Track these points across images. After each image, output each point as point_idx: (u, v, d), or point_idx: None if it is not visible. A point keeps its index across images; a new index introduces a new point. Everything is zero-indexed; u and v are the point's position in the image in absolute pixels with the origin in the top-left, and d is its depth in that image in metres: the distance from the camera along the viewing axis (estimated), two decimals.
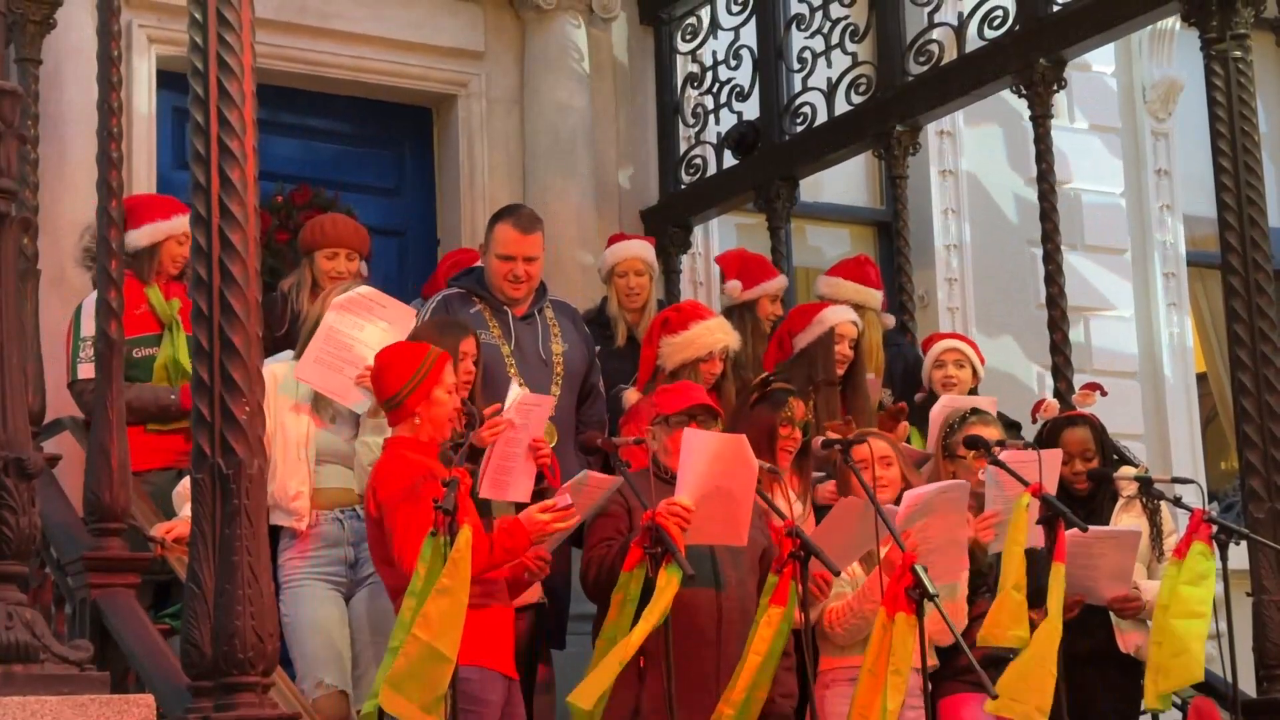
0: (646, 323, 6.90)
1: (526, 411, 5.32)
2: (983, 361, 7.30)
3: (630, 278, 7.09)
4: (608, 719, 4.69)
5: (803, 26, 8.55)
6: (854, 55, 8.35)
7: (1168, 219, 10.19)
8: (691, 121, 8.94)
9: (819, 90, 8.39)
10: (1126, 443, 7.60)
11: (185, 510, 4.97)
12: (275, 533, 5.29)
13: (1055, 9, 7.40)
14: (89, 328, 5.97)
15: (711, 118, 8.89)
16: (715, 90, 8.90)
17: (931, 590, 4.68)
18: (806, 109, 8.43)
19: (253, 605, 4.08)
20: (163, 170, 7.68)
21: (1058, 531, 5.19)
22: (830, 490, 6.01)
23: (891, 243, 8.82)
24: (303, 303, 6.21)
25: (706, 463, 4.93)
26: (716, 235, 9.11)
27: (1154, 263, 10.11)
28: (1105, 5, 7.18)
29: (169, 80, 7.56)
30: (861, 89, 8.23)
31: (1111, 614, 5.98)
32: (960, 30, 7.84)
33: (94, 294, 5.94)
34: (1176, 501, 6.06)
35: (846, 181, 9.58)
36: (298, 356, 5.51)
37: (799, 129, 8.46)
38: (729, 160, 8.73)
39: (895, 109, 8.08)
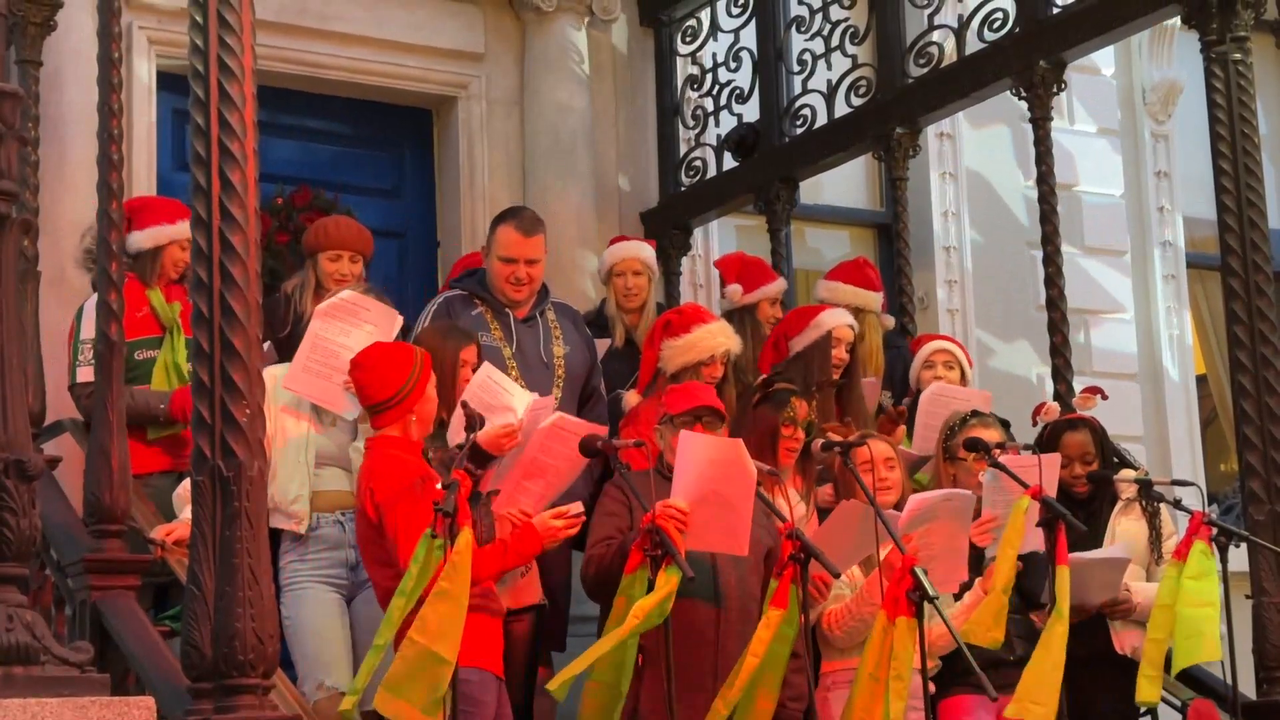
0: (645, 324, 6.91)
1: (535, 416, 5.31)
2: (971, 364, 7.30)
3: (628, 277, 7.09)
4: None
5: (803, 28, 8.55)
6: (854, 57, 8.35)
7: (1168, 221, 10.20)
8: (691, 123, 8.94)
9: (819, 92, 8.39)
10: (1126, 444, 7.59)
11: (185, 512, 4.97)
12: (276, 535, 5.29)
13: (1055, 11, 7.40)
14: (89, 330, 5.98)
15: (711, 119, 8.89)
16: (715, 92, 8.90)
17: (931, 593, 4.68)
18: (806, 111, 8.43)
19: (253, 607, 4.07)
20: (163, 172, 7.68)
21: (1058, 534, 5.19)
22: (827, 493, 6.02)
23: (891, 245, 8.82)
24: (306, 304, 6.22)
25: (702, 465, 4.93)
26: (716, 237, 9.11)
27: (1154, 264, 10.12)
28: (1105, 7, 7.18)
29: (169, 82, 7.56)
30: (861, 91, 8.23)
31: (1107, 616, 5.99)
32: (960, 32, 7.84)
33: (95, 296, 5.95)
34: (1176, 504, 6.07)
35: (846, 183, 9.58)
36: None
37: (799, 131, 8.46)
38: (729, 162, 8.73)
39: (895, 111, 8.08)
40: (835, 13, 8.41)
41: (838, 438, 5.88)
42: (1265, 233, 6.42)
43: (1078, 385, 7.27)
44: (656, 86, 9.03)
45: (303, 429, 5.49)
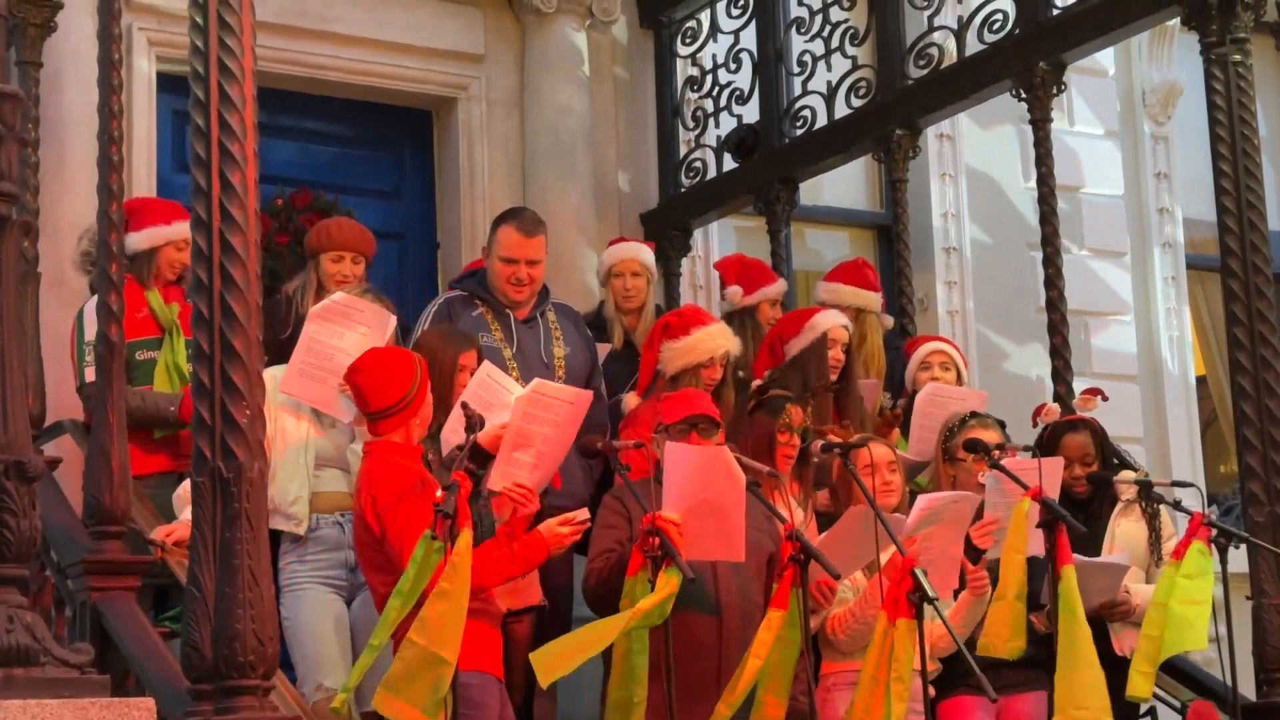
0: (644, 326, 6.91)
1: (537, 403, 5.21)
2: (967, 365, 7.30)
3: (627, 278, 7.09)
4: None
5: (803, 30, 8.55)
6: (854, 58, 8.35)
7: (1167, 222, 10.20)
8: (691, 124, 8.94)
9: (819, 93, 8.39)
10: (1126, 445, 7.60)
11: (185, 513, 4.97)
12: (275, 537, 5.29)
13: (1055, 12, 7.40)
14: (93, 332, 5.98)
15: (711, 121, 8.89)
16: (715, 93, 8.90)
17: (931, 594, 4.68)
18: (806, 112, 8.43)
19: (253, 608, 4.08)
20: (163, 173, 7.68)
21: (1059, 535, 5.19)
22: (825, 499, 6.01)
23: (891, 246, 8.81)
24: (307, 306, 6.21)
25: (689, 476, 4.93)
26: (716, 238, 9.11)
27: (1154, 266, 10.12)
28: (1105, 8, 7.18)
29: (169, 84, 7.56)
30: (861, 92, 8.24)
31: (1106, 618, 5.99)
32: (960, 33, 7.84)
33: (95, 298, 5.96)
34: (1176, 505, 6.06)
35: (846, 185, 9.58)
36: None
37: (799, 132, 8.46)
38: (729, 163, 8.73)
39: (895, 112, 8.08)
40: (835, 14, 8.41)
41: (837, 440, 5.88)
42: (1265, 234, 6.42)
43: (1078, 386, 7.27)
44: (656, 88, 9.03)
45: (302, 430, 5.50)
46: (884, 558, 5.11)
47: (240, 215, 4.25)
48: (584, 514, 4.99)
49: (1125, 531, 6.21)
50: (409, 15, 8.38)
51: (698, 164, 8.85)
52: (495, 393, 5.30)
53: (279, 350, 5.91)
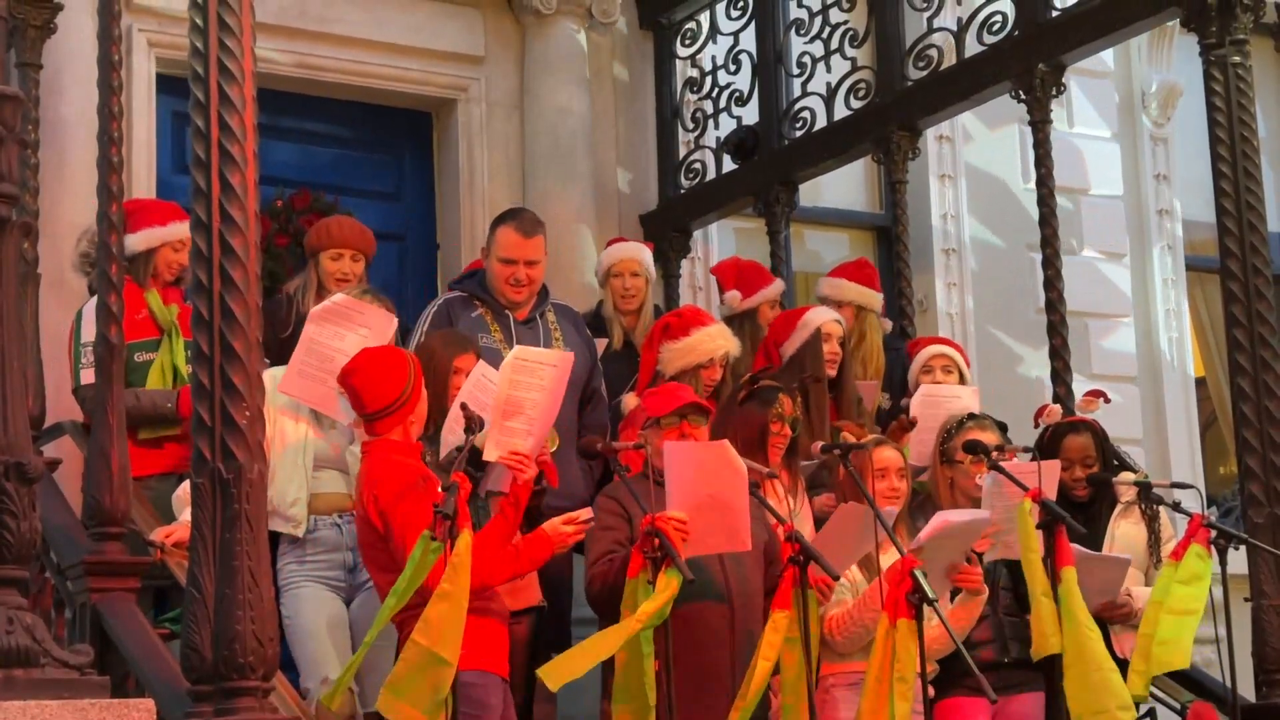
0: (643, 326, 6.91)
1: (521, 369, 5.17)
2: (969, 365, 7.30)
3: (626, 278, 7.09)
4: None
5: (802, 31, 8.56)
6: (853, 60, 8.35)
7: (1167, 223, 10.20)
8: (691, 126, 8.95)
9: (818, 95, 8.40)
10: (1126, 447, 7.60)
11: (185, 514, 4.97)
12: (274, 538, 5.29)
13: (1054, 14, 7.40)
14: (89, 333, 5.98)
15: (711, 122, 8.89)
16: (714, 95, 8.91)
17: (931, 595, 4.69)
18: (806, 114, 8.43)
19: (253, 610, 4.08)
20: (162, 174, 7.69)
21: (1059, 537, 5.19)
22: (826, 501, 6.01)
23: (891, 247, 8.81)
24: (308, 305, 6.22)
25: (692, 472, 4.93)
26: (716, 240, 9.12)
27: (1153, 267, 10.12)
28: (1104, 10, 7.18)
29: (169, 85, 7.56)
30: (861, 94, 8.24)
31: (1107, 620, 5.99)
32: (959, 35, 7.84)
33: (94, 299, 5.95)
34: (1175, 506, 6.06)
35: (846, 186, 9.58)
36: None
37: (798, 134, 8.46)
38: (728, 165, 8.73)
39: (894, 114, 8.08)
40: (835, 15, 8.41)
41: (852, 438, 5.88)
42: (1264, 235, 6.43)
43: (1077, 387, 7.27)
44: (656, 89, 9.03)
45: (301, 432, 5.50)
46: (885, 562, 5.11)
47: (240, 217, 4.25)
48: (587, 513, 5.01)
49: (1125, 533, 6.21)
50: (409, 16, 8.38)
51: (697, 165, 8.86)
52: (490, 392, 5.30)
53: (279, 350, 5.91)
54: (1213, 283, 8.91)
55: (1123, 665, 5.92)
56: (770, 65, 8.62)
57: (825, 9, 8.45)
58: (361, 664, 5.25)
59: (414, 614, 4.36)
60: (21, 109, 4.06)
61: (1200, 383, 10.29)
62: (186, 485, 4.70)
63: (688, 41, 8.99)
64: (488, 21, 8.62)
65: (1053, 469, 5.62)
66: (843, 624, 5.43)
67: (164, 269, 6.28)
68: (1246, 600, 6.16)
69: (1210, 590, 5.46)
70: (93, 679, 3.94)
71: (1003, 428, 6.34)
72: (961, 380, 7.09)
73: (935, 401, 6.49)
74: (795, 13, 8.63)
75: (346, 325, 5.46)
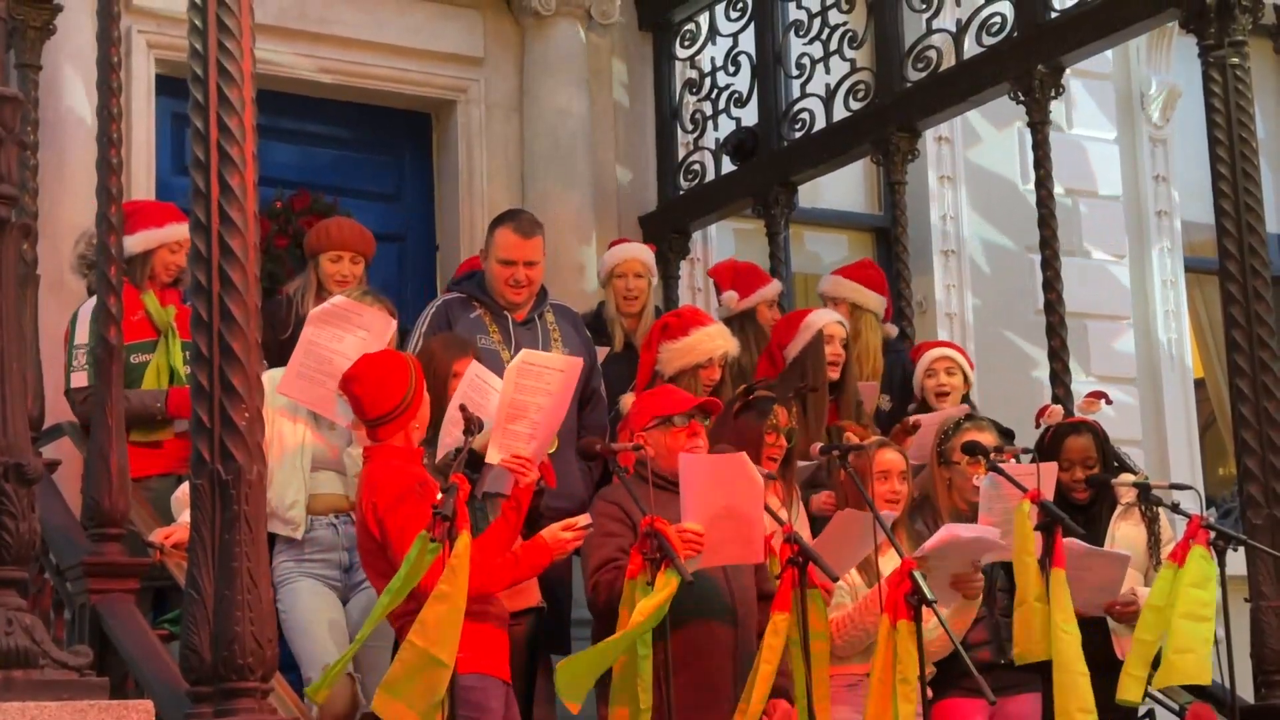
0: (643, 328, 6.91)
1: (527, 373, 5.14)
2: (972, 367, 7.30)
3: (629, 279, 7.09)
4: None
5: (801, 33, 8.56)
6: (852, 61, 8.36)
7: (1166, 225, 10.21)
8: (690, 127, 8.95)
9: (817, 96, 8.40)
10: (1125, 448, 7.60)
11: (184, 515, 4.97)
12: (270, 538, 5.28)
13: (1053, 15, 7.40)
14: (83, 335, 6.00)
15: (710, 123, 8.90)
16: (714, 96, 8.91)
17: (930, 596, 4.69)
18: (805, 115, 8.44)
19: (252, 611, 4.08)
20: (162, 176, 7.69)
21: (1055, 538, 5.19)
22: (824, 500, 6.01)
23: (890, 248, 8.82)
24: (307, 306, 6.22)
25: (708, 484, 4.92)
26: (715, 241, 9.12)
27: (1152, 269, 10.13)
28: (1103, 11, 7.19)
29: (168, 86, 7.56)
30: (860, 95, 8.24)
31: (1109, 620, 5.98)
32: (959, 36, 7.85)
33: (89, 301, 5.96)
34: (1174, 507, 6.06)
35: (845, 187, 9.59)
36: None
37: (797, 135, 8.47)
38: (727, 166, 8.74)
39: (893, 115, 8.08)
40: (834, 17, 8.42)
41: (856, 439, 5.88)
42: (1263, 237, 6.43)
43: (1076, 389, 7.27)
44: (655, 90, 9.04)
45: (299, 433, 5.50)
46: (885, 564, 5.10)
47: (239, 218, 4.25)
48: (586, 519, 4.98)
49: (1125, 535, 6.20)
50: (408, 18, 8.39)
51: (696, 166, 8.86)
52: (485, 393, 5.30)
53: (279, 351, 5.91)
54: (1212, 284, 8.90)
55: (1120, 666, 5.94)
56: (769, 66, 8.63)
57: (824, 10, 8.46)
58: (361, 662, 5.28)
59: (412, 617, 4.35)
60: (21, 110, 4.07)
61: (1199, 384, 10.29)
62: (185, 486, 4.71)
63: (687, 43, 9.00)
64: (487, 23, 8.63)
65: (1050, 471, 5.61)
66: (842, 628, 5.43)
67: (161, 270, 6.28)
68: (1246, 601, 6.16)
69: None
70: (92, 680, 3.94)
71: (1009, 434, 6.33)
72: (965, 381, 7.09)
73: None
74: (794, 14, 8.64)
75: (345, 327, 5.46)
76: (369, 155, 8.62)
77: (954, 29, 7.90)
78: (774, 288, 7.49)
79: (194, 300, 4.28)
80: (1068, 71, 7.62)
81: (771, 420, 5.69)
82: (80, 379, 6.04)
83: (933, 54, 7.97)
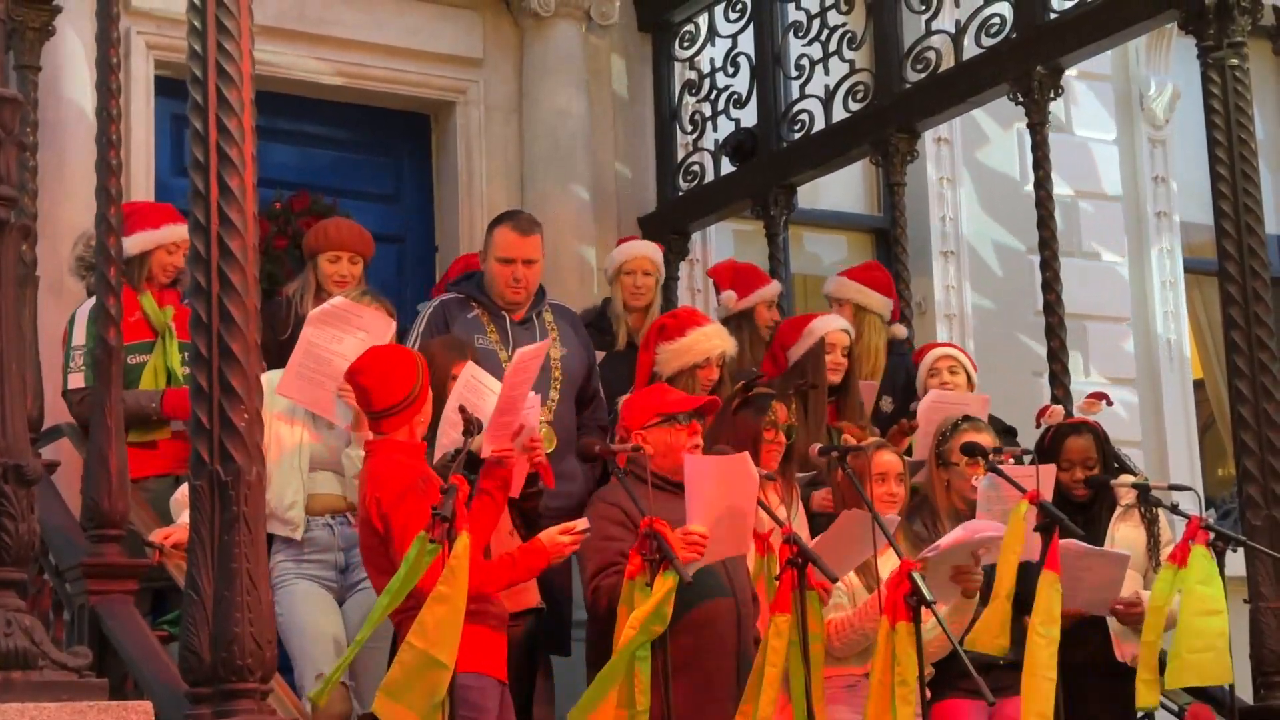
0: (647, 327, 6.91)
1: (518, 371, 5.16)
2: (975, 368, 7.30)
3: (638, 276, 7.09)
4: None
5: (800, 34, 8.56)
6: (851, 62, 8.36)
7: (1165, 226, 10.21)
8: (689, 128, 8.95)
9: (816, 97, 8.40)
10: (1124, 449, 7.60)
11: (183, 516, 4.98)
12: (268, 539, 5.28)
13: (1052, 17, 7.40)
14: (80, 337, 6.01)
15: (709, 125, 8.90)
16: (713, 97, 8.91)
17: (929, 597, 4.69)
18: (804, 116, 8.44)
19: (251, 612, 4.08)
20: (161, 177, 7.69)
21: (1054, 540, 5.18)
22: (824, 498, 6.01)
23: (889, 249, 8.81)
24: (307, 307, 6.23)
25: (712, 486, 4.93)
26: (714, 242, 9.12)
27: (1151, 270, 10.12)
28: (1102, 13, 7.18)
29: (168, 87, 7.57)
30: (859, 96, 8.24)
31: (1110, 623, 5.98)
32: (958, 38, 7.84)
33: (87, 303, 5.97)
34: (1174, 508, 6.06)
35: (844, 188, 9.59)
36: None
37: (797, 136, 8.47)
38: (727, 167, 8.74)
39: (893, 116, 8.08)
40: (833, 18, 8.42)
41: (853, 440, 5.88)
42: (1262, 238, 6.43)
43: (1075, 390, 7.27)
44: (654, 91, 9.04)
45: (297, 434, 5.50)
46: (884, 565, 5.10)
47: (238, 219, 4.25)
48: (584, 523, 4.98)
49: (1124, 536, 6.20)
50: (407, 19, 8.39)
51: (695, 168, 8.86)
52: (481, 394, 5.30)
53: (279, 352, 5.91)
54: (1211, 285, 8.90)
55: (1122, 671, 5.94)
56: (768, 67, 8.63)
57: (823, 11, 8.46)
58: (357, 665, 5.29)
59: (412, 616, 4.35)
60: (20, 111, 4.07)
61: (1199, 385, 10.29)
62: (185, 488, 4.71)
63: (686, 44, 9.00)
64: (486, 24, 8.63)
65: (1049, 473, 5.61)
66: (841, 630, 5.43)
67: (158, 271, 6.28)
68: (1245, 602, 6.16)
69: None
70: (91, 681, 3.94)
71: (1011, 433, 6.33)
72: (969, 381, 7.10)
73: (942, 408, 6.48)
74: (793, 15, 8.63)
75: (345, 328, 5.46)
76: (368, 156, 8.63)
77: (953, 30, 7.90)
78: (773, 288, 7.50)
79: (193, 301, 4.28)
80: (1068, 72, 7.61)
81: (770, 416, 5.69)
82: (77, 380, 6.04)
83: (932, 55, 7.97)
